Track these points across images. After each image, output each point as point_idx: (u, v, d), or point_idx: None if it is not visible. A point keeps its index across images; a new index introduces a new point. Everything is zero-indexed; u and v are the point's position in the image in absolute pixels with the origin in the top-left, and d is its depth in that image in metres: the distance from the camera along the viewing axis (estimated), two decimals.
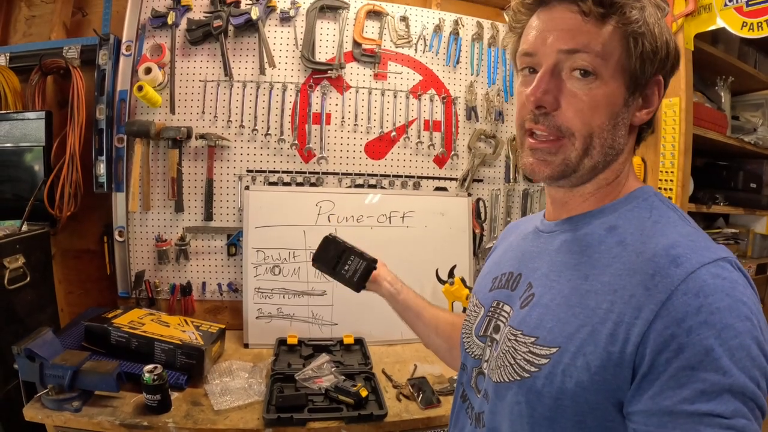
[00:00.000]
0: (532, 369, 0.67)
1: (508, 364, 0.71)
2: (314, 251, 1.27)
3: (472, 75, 2.24)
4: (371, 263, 1.23)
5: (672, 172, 1.94)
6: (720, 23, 1.79)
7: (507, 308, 0.80)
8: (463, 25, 2.19)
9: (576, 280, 0.69)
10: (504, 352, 0.73)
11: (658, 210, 0.70)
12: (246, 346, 1.85)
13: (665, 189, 1.91)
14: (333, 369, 1.59)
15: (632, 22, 0.66)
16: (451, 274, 1.91)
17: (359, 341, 1.89)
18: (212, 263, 2.01)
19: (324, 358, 1.62)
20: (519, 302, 0.76)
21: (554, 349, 0.65)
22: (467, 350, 0.88)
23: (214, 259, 2.00)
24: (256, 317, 1.89)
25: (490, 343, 0.81)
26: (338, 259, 1.25)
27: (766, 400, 0.56)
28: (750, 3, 1.70)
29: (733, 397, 0.53)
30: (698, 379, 0.54)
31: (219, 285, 2.00)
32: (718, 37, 2.15)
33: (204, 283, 1.99)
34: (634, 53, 0.67)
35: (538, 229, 0.84)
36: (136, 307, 1.80)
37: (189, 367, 1.53)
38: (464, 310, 1.83)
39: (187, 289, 1.96)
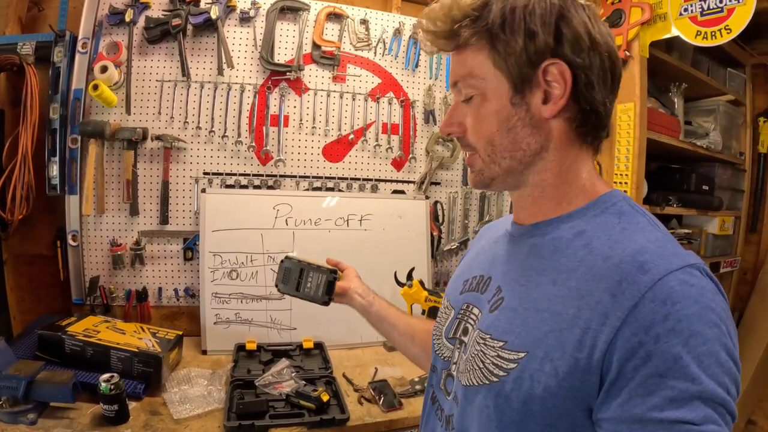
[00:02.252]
0: (501, 373, 0.70)
1: (477, 368, 0.75)
2: (275, 278, 1.38)
3: (430, 79, 2.39)
4: (330, 275, 1.31)
5: (626, 174, 2.13)
6: (675, 32, 1.96)
7: (476, 311, 0.84)
8: None
9: (544, 285, 0.72)
10: (473, 355, 0.77)
11: (627, 216, 0.73)
12: (204, 352, 1.95)
13: None
14: (293, 374, 1.71)
15: (485, 30, 0.73)
16: (409, 277, 2.03)
17: (319, 345, 2.01)
18: (168, 268, 2.10)
19: (284, 363, 1.74)
20: (488, 305, 0.80)
21: (522, 354, 0.69)
22: (437, 352, 0.93)
23: (171, 263, 2.10)
24: (214, 323, 2.00)
25: (459, 345, 0.85)
26: (299, 279, 1.33)
27: (735, 405, 0.59)
28: (704, 12, 1.86)
29: (702, 404, 0.56)
30: (667, 386, 0.56)
31: (175, 290, 2.09)
32: (672, 44, 2.35)
33: (160, 289, 2.09)
34: (500, 56, 0.72)
35: (508, 232, 0.88)
36: (90, 314, 1.88)
37: (146, 375, 1.59)
38: (423, 312, 1.98)
39: (142, 295, 2.05)
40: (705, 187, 2.62)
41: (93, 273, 2.02)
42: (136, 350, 1.61)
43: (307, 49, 2.20)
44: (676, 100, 2.54)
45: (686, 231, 2.69)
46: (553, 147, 0.76)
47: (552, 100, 0.73)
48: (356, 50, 2.27)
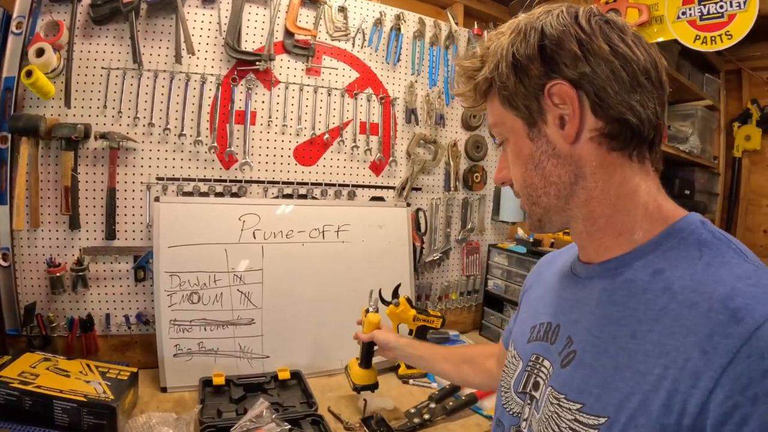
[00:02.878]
0: None
1: (553, 431, 0.73)
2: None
3: (412, 75, 2.33)
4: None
5: None
6: (673, 35, 1.97)
7: (547, 363, 0.82)
8: (405, 21, 2.27)
9: (622, 338, 0.68)
10: (547, 417, 0.75)
11: (710, 247, 0.68)
12: (164, 389, 1.79)
13: None
14: (274, 416, 1.58)
15: (483, 81, 0.79)
16: (395, 294, 1.96)
17: (296, 375, 1.90)
18: (117, 291, 1.91)
19: (263, 404, 1.61)
20: (560, 359, 0.78)
21: (603, 420, 0.66)
22: (504, 406, 0.90)
23: (119, 285, 1.91)
24: (174, 355, 1.83)
25: (529, 401, 0.83)
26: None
27: None
28: (704, 17, 1.88)
29: None
30: None
31: (126, 317, 1.91)
32: (660, 48, 2.32)
33: (108, 315, 1.90)
34: (505, 98, 0.77)
35: (573, 271, 0.86)
36: (28, 350, 1.67)
37: (98, 428, 1.44)
38: (410, 332, 1.93)
39: (88, 324, 1.85)
40: (686, 192, 2.73)
41: (28, 299, 1.80)
42: (84, 399, 1.44)
43: (279, 36, 2.06)
44: None
45: None
46: (590, 173, 0.74)
47: (567, 122, 0.73)
48: (333, 40, 2.16)
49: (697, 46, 1.92)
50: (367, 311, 1.72)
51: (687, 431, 0.57)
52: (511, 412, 0.88)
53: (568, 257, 0.91)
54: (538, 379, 0.82)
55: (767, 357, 0.53)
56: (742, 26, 1.79)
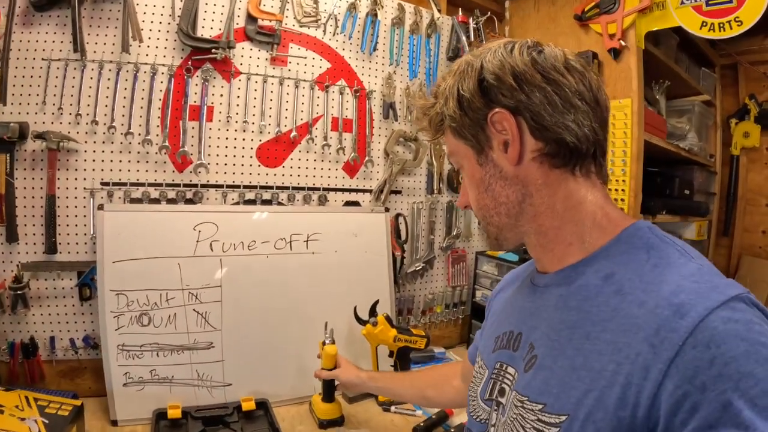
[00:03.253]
0: None
1: None
2: None
3: (390, 65, 2.20)
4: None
5: (624, 180, 2.05)
6: (677, 22, 1.90)
7: (511, 370, 0.88)
8: (382, 6, 2.14)
9: (577, 340, 0.74)
10: (512, 419, 0.80)
11: (656, 249, 0.75)
12: (114, 423, 1.63)
13: (616, 200, 2.03)
14: None
15: (436, 116, 0.90)
16: (373, 312, 1.85)
17: (262, 404, 1.75)
18: (61, 311, 1.73)
19: None
20: (523, 364, 0.84)
21: (563, 417, 0.71)
22: (472, 414, 0.96)
23: (63, 305, 1.73)
24: (124, 384, 1.66)
25: (496, 407, 0.88)
26: None
27: None
28: (710, 2, 1.81)
29: None
30: None
31: (71, 340, 1.74)
32: (659, 39, 2.31)
33: (53, 338, 1.72)
34: (454, 129, 0.87)
35: (532, 282, 0.94)
36: None
37: None
38: (390, 354, 1.84)
39: (31, 348, 1.68)
40: (686, 192, 2.65)
41: None
42: None
43: (240, 22, 1.91)
44: (658, 98, 2.54)
45: None
46: (536, 190, 0.82)
47: (510, 146, 0.81)
48: (301, 27, 2.02)
49: (704, 34, 1.85)
50: (324, 344, 1.66)
51: (642, 422, 0.63)
52: (478, 420, 0.93)
53: (527, 271, 1.01)
54: (504, 385, 0.88)
55: (712, 347, 0.59)
56: (753, 11, 1.71)
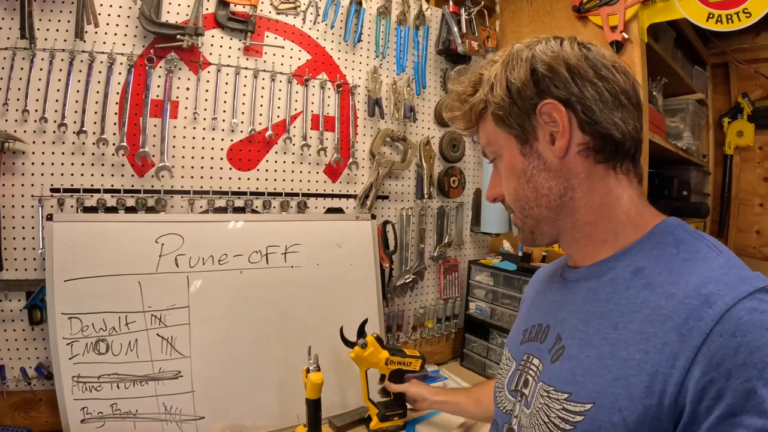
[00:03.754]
0: (567, 427, 0.77)
1: (542, 423, 0.83)
2: None
3: (376, 58, 2.14)
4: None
5: None
6: (682, 13, 1.88)
7: (536, 361, 0.93)
8: None
9: (605, 330, 0.80)
10: (537, 409, 0.85)
11: (686, 244, 0.81)
12: None
13: None
14: None
15: (479, 103, 0.92)
16: (361, 333, 1.75)
17: None
18: (9, 336, 1.60)
19: None
20: (549, 356, 0.89)
21: (588, 406, 0.75)
22: (499, 405, 1.03)
23: (11, 329, 1.60)
24: (81, 420, 1.53)
25: (520, 398, 0.95)
26: None
27: None
28: None
29: None
30: (742, 425, 0.60)
31: (23, 369, 1.60)
32: (658, 34, 2.32)
33: (2, 367, 1.59)
34: (499, 117, 0.90)
35: (562, 277, 1.00)
36: None
37: None
38: (382, 378, 1.77)
39: None
40: (684, 193, 2.68)
41: None
42: None
43: (210, 7, 1.80)
44: (656, 95, 2.55)
45: None
46: (578, 184, 0.87)
47: (557, 137, 0.86)
48: (279, 14, 1.93)
49: (711, 26, 1.82)
50: (308, 371, 1.59)
51: (668, 410, 0.67)
52: (504, 410, 0.99)
53: (558, 266, 1.07)
54: (528, 376, 0.94)
55: (738, 335, 0.63)
56: (763, 2, 1.70)
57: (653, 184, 2.58)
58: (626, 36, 1.97)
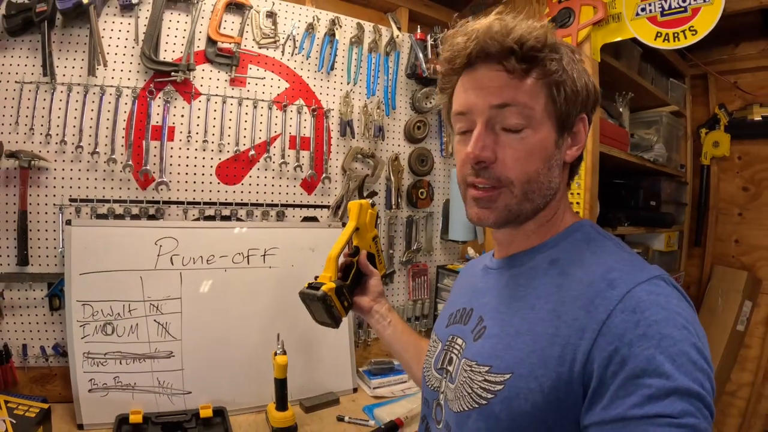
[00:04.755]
0: (489, 396, 0.90)
1: (466, 394, 0.95)
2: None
3: (348, 84, 2.53)
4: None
5: (578, 193, 2.27)
6: (631, 33, 2.09)
7: (460, 341, 1.07)
8: (341, 26, 2.47)
9: (524, 311, 0.95)
10: (461, 383, 0.98)
11: (596, 241, 0.99)
12: (80, 427, 1.92)
13: None
14: None
15: (552, 72, 0.94)
16: (371, 196, 2.11)
17: (219, 412, 2.04)
18: (32, 320, 2.04)
19: None
20: (472, 335, 1.04)
21: (507, 375, 0.89)
22: (427, 383, 1.16)
23: (35, 314, 2.04)
24: (89, 390, 1.96)
25: (445, 375, 1.08)
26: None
27: (712, 400, 0.74)
28: (665, 12, 1.99)
29: (679, 399, 0.71)
30: (644, 385, 0.72)
31: (42, 348, 2.04)
32: (620, 51, 2.60)
33: (25, 346, 2.03)
34: (558, 99, 0.96)
35: (487, 267, 1.16)
36: None
37: None
38: (356, 249, 1.92)
39: (4, 355, 1.98)
40: (652, 203, 2.91)
41: None
42: None
43: (201, 45, 2.24)
44: (622, 110, 2.82)
45: (636, 251, 2.92)
46: (562, 187, 1.04)
47: (577, 145, 1.02)
48: (260, 48, 2.35)
49: (659, 44, 2.02)
50: (276, 354, 1.91)
51: (578, 376, 0.80)
52: (431, 387, 1.13)
53: (483, 260, 1.22)
54: (452, 355, 1.08)
55: (638, 311, 0.78)
56: (707, 20, 1.88)
57: (620, 194, 2.86)
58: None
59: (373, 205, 1.69)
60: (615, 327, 0.78)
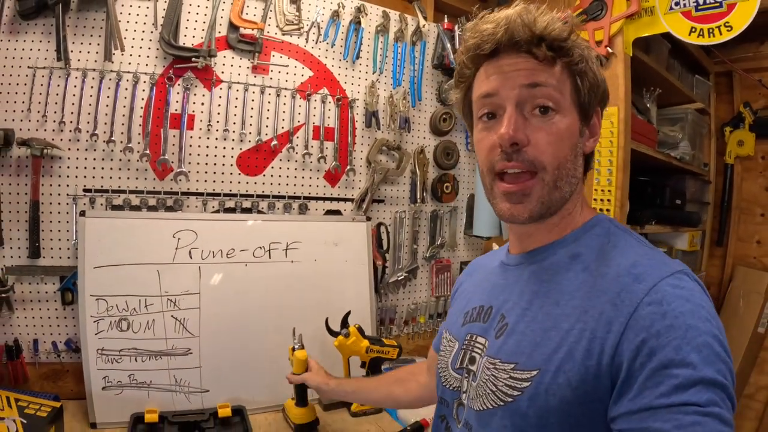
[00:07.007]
0: (515, 393, 0.88)
1: (490, 392, 0.92)
2: None
3: (374, 73, 2.39)
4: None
5: (609, 190, 2.16)
6: (665, 28, 2.01)
7: (481, 340, 1.03)
8: (366, 14, 2.33)
9: (548, 306, 0.92)
10: (484, 381, 0.95)
11: (615, 235, 0.96)
12: (93, 425, 1.80)
13: (602, 209, 2.14)
14: None
15: (578, 62, 0.93)
16: (344, 324, 1.98)
17: (239, 411, 1.91)
18: (44, 314, 1.91)
19: None
20: (494, 333, 1.00)
21: (534, 372, 0.86)
22: (444, 384, 1.12)
23: (46, 308, 1.91)
24: (103, 388, 1.83)
25: (467, 375, 1.04)
26: None
27: (733, 391, 0.73)
28: (700, 7, 1.91)
29: (705, 388, 0.70)
30: (671, 375, 0.71)
31: (54, 343, 1.91)
32: (649, 46, 2.47)
33: (36, 341, 1.89)
34: (582, 88, 0.94)
35: (504, 263, 1.12)
36: None
37: None
38: (363, 364, 1.97)
39: (15, 350, 1.85)
40: (678, 201, 2.80)
41: None
42: None
43: (222, 30, 2.10)
44: (649, 106, 2.70)
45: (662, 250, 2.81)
46: (582, 178, 1.01)
47: (594, 137, 1.01)
48: (284, 34, 2.21)
49: (693, 40, 1.94)
50: (294, 349, 1.79)
51: (606, 369, 0.79)
52: (451, 388, 1.08)
53: (496, 256, 1.19)
54: (474, 354, 1.04)
55: (664, 304, 0.77)
56: (743, 17, 1.81)
57: (645, 192, 2.71)
58: (610, 50, 2.11)
59: (346, 335, 1.94)
60: (642, 319, 0.78)
